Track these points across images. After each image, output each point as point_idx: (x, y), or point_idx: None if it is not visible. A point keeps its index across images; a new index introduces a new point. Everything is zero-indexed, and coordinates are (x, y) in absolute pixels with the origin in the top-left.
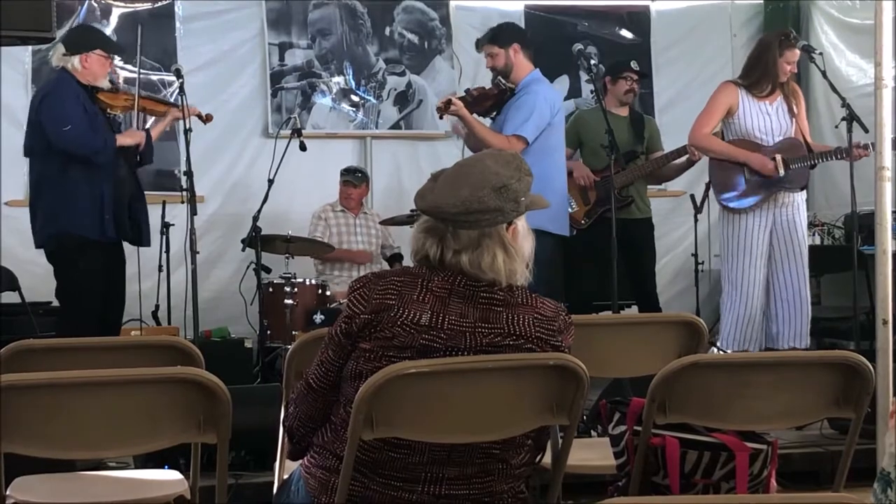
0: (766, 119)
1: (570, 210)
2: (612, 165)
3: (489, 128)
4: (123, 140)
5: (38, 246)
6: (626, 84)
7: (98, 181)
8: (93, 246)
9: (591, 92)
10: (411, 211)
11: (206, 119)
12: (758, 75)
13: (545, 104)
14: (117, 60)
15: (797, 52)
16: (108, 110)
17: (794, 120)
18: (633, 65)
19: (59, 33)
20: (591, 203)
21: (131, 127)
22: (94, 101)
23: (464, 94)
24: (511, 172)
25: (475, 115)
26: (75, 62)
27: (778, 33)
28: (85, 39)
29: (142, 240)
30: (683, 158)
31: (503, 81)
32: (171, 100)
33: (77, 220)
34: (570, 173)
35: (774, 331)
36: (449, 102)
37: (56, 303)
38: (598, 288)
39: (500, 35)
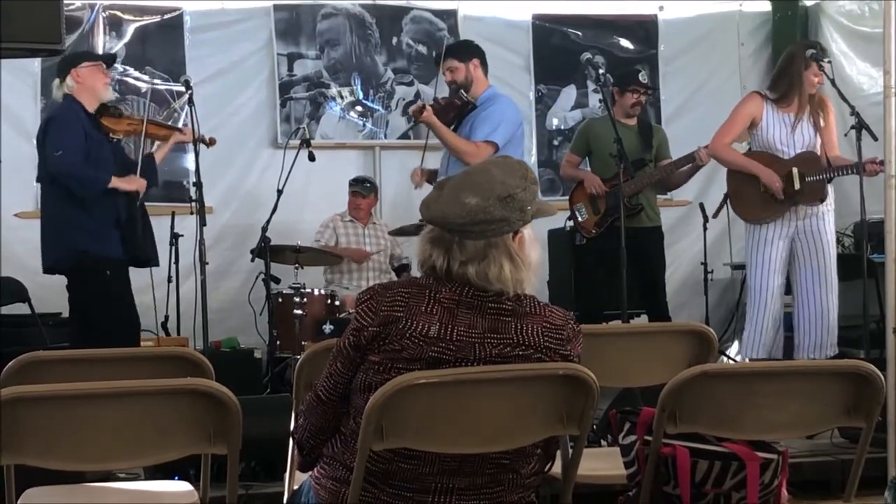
0: (789, 131)
1: (580, 219)
2: (622, 174)
3: (461, 137)
4: (119, 184)
5: (46, 269)
6: (633, 97)
7: (112, 202)
8: (115, 264)
9: (600, 101)
10: (420, 221)
11: (210, 143)
12: (784, 88)
13: (515, 114)
14: (131, 71)
15: (825, 64)
16: (111, 134)
17: (818, 133)
18: (642, 77)
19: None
20: (601, 212)
21: (137, 150)
22: (99, 126)
23: (432, 102)
24: (517, 181)
25: None
26: (69, 82)
27: (804, 45)
28: (67, 60)
29: (150, 261)
30: (689, 164)
31: (464, 94)
32: (179, 107)
33: (98, 242)
34: (580, 183)
35: (796, 342)
36: (423, 108)
37: (66, 314)
38: (609, 297)
39: (460, 50)
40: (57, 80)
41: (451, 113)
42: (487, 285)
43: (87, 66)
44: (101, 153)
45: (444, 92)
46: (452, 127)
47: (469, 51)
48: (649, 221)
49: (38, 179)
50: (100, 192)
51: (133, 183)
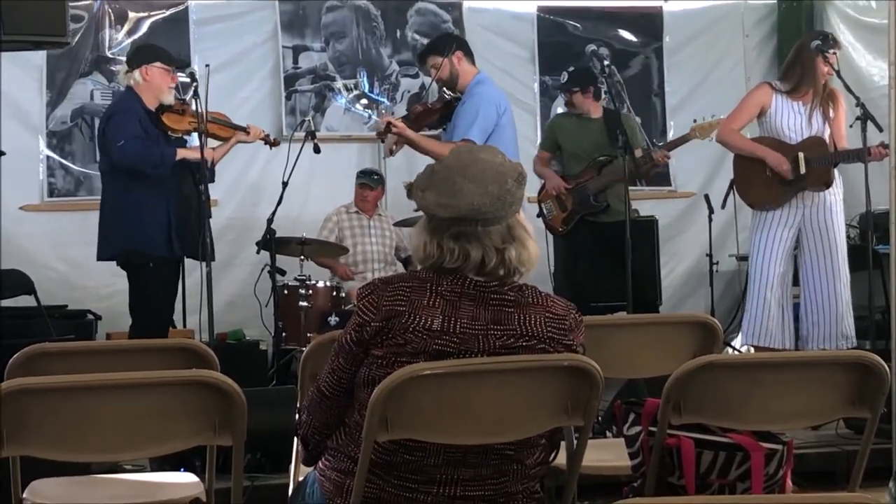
0: (798, 118)
1: (548, 216)
2: (625, 165)
3: (439, 141)
4: (185, 153)
5: (101, 258)
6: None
7: (164, 199)
8: (159, 263)
9: (605, 93)
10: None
11: (274, 143)
12: (796, 79)
13: (490, 105)
14: None
15: (829, 55)
16: (170, 133)
17: (826, 123)
18: (562, 77)
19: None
20: (567, 209)
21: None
22: (158, 123)
23: (405, 114)
24: (510, 160)
25: (425, 130)
26: (136, 76)
27: (814, 35)
28: (143, 53)
29: (206, 255)
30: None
31: (448, 92)
32: (188, 98)
33: (144, 239)
34: (543, 186)
35: (804, 332)
36: (388, 126)
37: (72, 307)
38: (585, 289)
39: (439, 45)
40: (125, 67)
41: (433, 116)
42: (520, 267)
43: (159, 68)
44: (156, 139)
45: (433, 91)
46: (444, 127)
47: (448, 44)
48: (617, 215)
49: (100, 170)
50: (168, 174)
51: (193, 152)
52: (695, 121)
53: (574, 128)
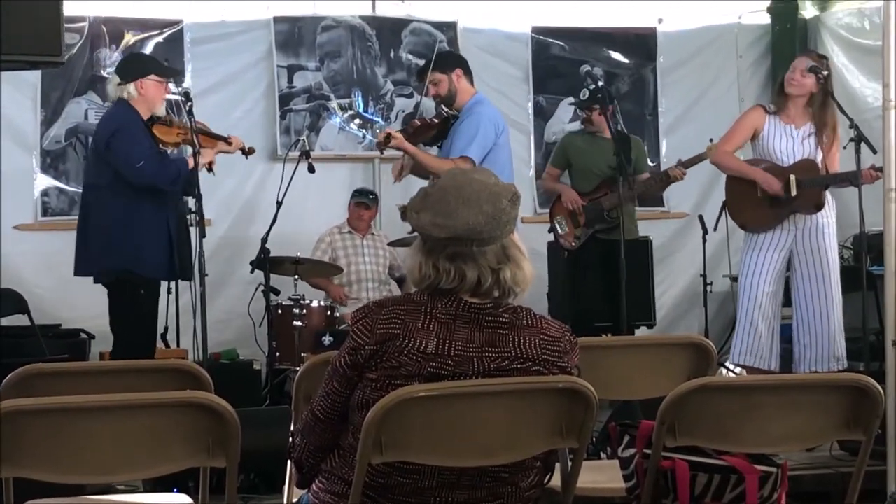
0: (790, 141)
1: (560, 231)
2: (621, 186)
3: (435, 156)
4: (194, 161)
5: (82, 274)
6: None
7: (164, 218)
8: (155, 284)
9: (599, 114)
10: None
11: (249, 152)
12: (777, 94)
13: (489, 124)
14: None
15: (804, 59)
16: (161, 145)
17: (819, 147)
18: (584, 94)
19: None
20: (580, 225)
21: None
22: (150, 133)
23: (402, 127)
24: (503, 182)
25: (420, 147)
26: (131, 90)
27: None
28: (138, 66)
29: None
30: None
31: (446, 109)
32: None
33: (144, 261)
34: (558, 197)
35: (796, 354)
36: (388, 137)
37: (65, 326)
38: (598, 309)
39: (441, 62)
40: (117, 79)
41: (430, 131)
42: (515, 288)
43: (153, 81)
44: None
45: (431, 106)
46: (440, 144)
47: (450, 61)
48: (628, 234)
49: (90, 185)
50: (182, 186)
51: (207, 154)
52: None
53: (586, 146)
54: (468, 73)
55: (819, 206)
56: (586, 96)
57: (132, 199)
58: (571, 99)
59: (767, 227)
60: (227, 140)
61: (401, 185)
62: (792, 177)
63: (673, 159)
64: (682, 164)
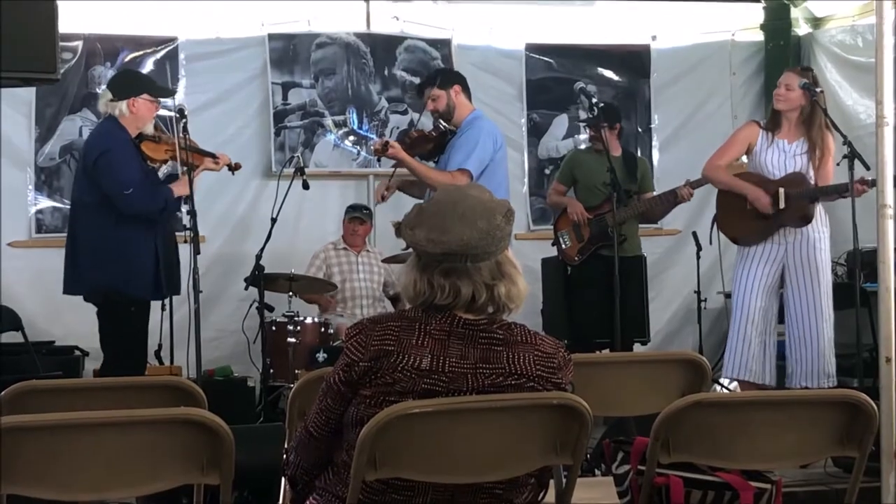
0: (781, 156)
1: (564, 246)
2: (614, 201)
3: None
4: (179, 190)
5: (71, 293)
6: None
7: (152, 237)
8: (145, 303)
9: (609, 131)
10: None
11: (236, 167)
12: (772, 110)
13: (488, 138)
14: None
15: (789, 74)
16: (149, 162)
17: (811, 163)
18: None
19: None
20: (584, 240)
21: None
22: (138, 151)
23: (400, 138)
24: (496, 198)
25: (417, 160)
26: (122, 107)
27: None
28: (131, 84)
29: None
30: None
31: (444, 124)
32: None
33: (129, 280)
34: (564, 210)
35: (788, 370)
36: (386, 145)
37: (59, 343)
38: (598, 325)
39: (440, 78)
40: (109, 95)
41: (428, 145)
42: (509, 304)
43: (145, 100)
44: (154, 181)
45: (429, 122)
46: (436, 159)
47: (450, 77)
48: (631, 251)
49: (76, 203)
50: (170, 214)
51: (183, 187)
52: None
53: (593, 163)
54: (466, 89)
55: (806, 219)
56: (596, 113)
57: (120, 217)
58: (565, 116)
59: (757, 240)
60: (213, 157)
61: (394, 202)
62: (781, 189)
63: (666, 175)
64: (690, 185)
